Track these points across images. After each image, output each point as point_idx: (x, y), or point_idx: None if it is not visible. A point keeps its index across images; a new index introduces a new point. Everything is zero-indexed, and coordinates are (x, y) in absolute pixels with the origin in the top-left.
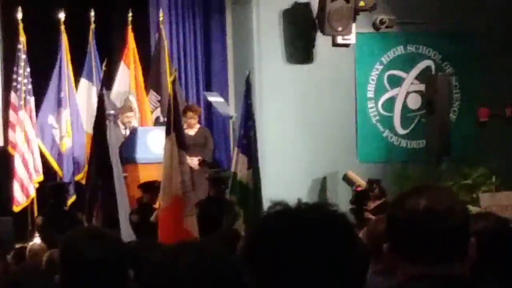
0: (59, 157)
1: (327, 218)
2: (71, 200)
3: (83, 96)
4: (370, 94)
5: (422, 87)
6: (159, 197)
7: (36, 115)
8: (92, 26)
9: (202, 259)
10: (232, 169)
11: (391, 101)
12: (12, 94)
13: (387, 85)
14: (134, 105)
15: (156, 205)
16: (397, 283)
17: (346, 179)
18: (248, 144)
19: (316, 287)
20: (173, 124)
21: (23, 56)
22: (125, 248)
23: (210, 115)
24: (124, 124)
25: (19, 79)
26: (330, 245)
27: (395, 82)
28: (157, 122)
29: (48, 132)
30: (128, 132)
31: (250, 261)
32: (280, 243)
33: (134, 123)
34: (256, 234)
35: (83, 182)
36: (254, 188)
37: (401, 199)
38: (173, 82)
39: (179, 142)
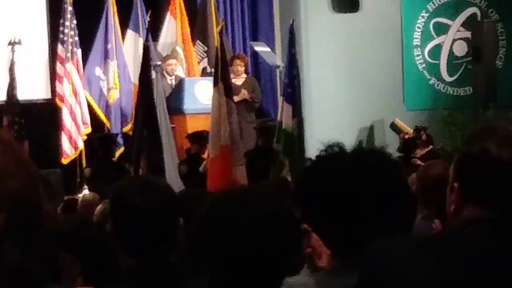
0: (107, 108)
1: (381, 160)
2: (119, 151)
3: (130, 47)
4: (416, 42)
5: (468, 34)
6: (208, 147)
7: (83, 67)
8: None
9: (253, 204)
10: (278, 118)
11: (437, 48)
12: (59, 46)
13: (433, 33)
14: (181, 56)
15: (205, 156)
16: (461, 225)
17: (393, 127)
18: (293, 93)
19: (368, 228)
20: (220, 75)
21: (70, 8)
22: (174, 196)
23: (257, 66)
24: (168, 73)
25: (66, 31)
26: (385, 187)
27: (441, 29)
28: (204, 73)
29: (96, 84)
30: (174, 82)
31: (303, 202)
32: (331, 187)
33: (180, 71)
34: (306, 177)
35: (131, 133)
36: (299, 137)
37: (476, 138)
38: (220, 33)
39: (227, 92)
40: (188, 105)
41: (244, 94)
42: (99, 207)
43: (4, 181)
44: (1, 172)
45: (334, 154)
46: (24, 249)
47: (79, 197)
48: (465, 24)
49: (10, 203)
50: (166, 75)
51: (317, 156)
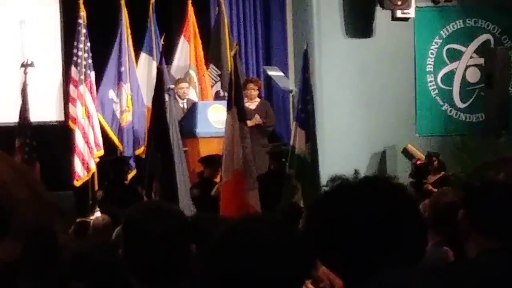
0: (120, 131)
1: (387, 190)
2: (132, 174)
3: (144, 70)
4: (429, 68)
5: (481, 60)
6: (220, 171)
7: (97, 90)
8: (152, 0)
9: (265, 233)
10: (291, 143)
11: (450, 74)
12: (73, 69)
13: (446, 59)
14: (195, 79)
15: (217, 179)
16: (469, 255)
17: (406, 152)
18: (306, 118)
19: (381, 257)
20: (234, 99)
21: (84, 31)
22: (187, 223)
23: (270, 90)
24: (180, 96)
25: (80, 53)
26: (392, 218)
27: (454, 56)
28: (217, 97)
29: (109, 107)
30: (186, 105)
31: (316, 233)
32: (341, 220)
33: (192, 95)
34: (316, 210)
35: (143, 156)
36: (312, 161)
37: (481, 169)
38: (234, 57)
39: (240, 116)
40: (201, 128)
41: (256, 119)
42: (117, 229)
43: (19, 211)
44: (15, 202)
45: (342, 186)
46: (39, 280)
47: (91, 219)
48: (478, 51)
49: (25, 234)
50: (178, 99)
51: (324, 191)
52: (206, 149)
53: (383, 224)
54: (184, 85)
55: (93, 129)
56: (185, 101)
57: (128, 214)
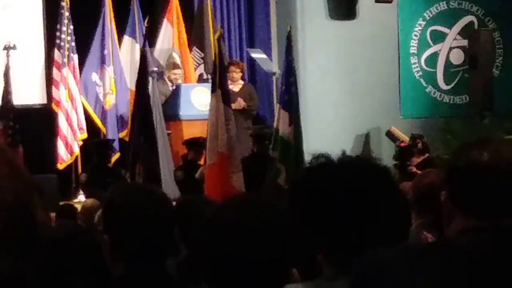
0: (103, 114)
1: (369, 170)
2: (115, 157)
3: (127, 53)
4: (413, 50)
5: (465, 42)
6: (204, 154)
7: (80, 73)
8: None
9: (256, 215)
10: (274, 125)
11: (434, 56)
12: (56, 52)
13: (430, 41)
14: (178, 61)
15: (201, 162)
16: (451, 234)
17: (389, 134)
18: (290, 100)
19: (362, 235)
20: (218, 81)
21: (67, 14)
22: (170, 204)
23: (253, 72)
24: (171, 81)
25: (63, 36)
26: (372, 197)
27: (438, 37)
28: (200, 79)
29: (92, 90)
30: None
31: (297, 210)
32: (322, 195)
33: (180, 80)
34: (298, 186)
35: (127, 139)
36: (296, 144)
37: (464, 149)
38: (218, 40)
39: (224, 99)
40: (184, 111)
41: (240, 103)
42: (99, 212)
43: None
44: None
45: (324, 163)
46: (19, 259)
47: (75, 202)
48: (462, 33)
49: (4, 212)
50: (168, 82)
51: (306, 167)
52: (189, 131)
53: (360, 201)
54: (177, 71)
55: (76, 112)
56: (174, 86)
57: (109, 195)
